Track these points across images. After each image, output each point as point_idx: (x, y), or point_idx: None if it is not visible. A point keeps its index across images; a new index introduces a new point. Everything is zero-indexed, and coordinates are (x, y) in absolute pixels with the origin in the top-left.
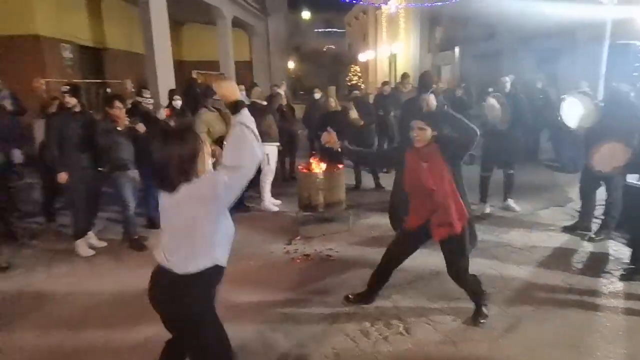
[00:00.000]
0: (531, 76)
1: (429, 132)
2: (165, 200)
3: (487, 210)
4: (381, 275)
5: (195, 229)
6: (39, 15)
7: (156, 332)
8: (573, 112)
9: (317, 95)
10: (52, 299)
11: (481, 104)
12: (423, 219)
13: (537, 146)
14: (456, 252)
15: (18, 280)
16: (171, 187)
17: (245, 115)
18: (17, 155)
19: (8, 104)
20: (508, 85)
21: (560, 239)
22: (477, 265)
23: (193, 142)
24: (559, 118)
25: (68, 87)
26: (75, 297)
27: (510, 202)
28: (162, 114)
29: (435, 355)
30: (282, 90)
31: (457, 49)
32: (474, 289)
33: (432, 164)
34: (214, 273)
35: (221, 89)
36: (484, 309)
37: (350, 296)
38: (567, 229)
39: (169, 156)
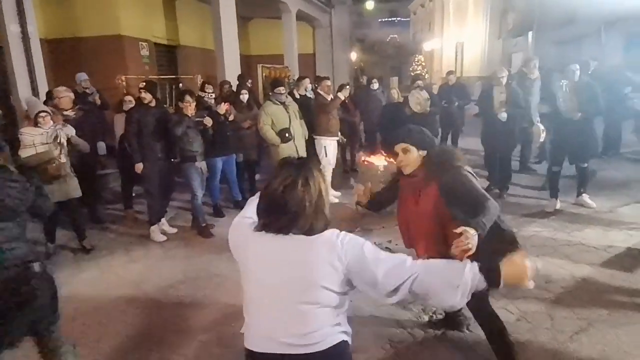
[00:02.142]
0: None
1: (414, 154)
2: (268, 246)
3: (558, 206)
4: None
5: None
6: (121, 16)
7: (225, 314)
8: None
9: (375, 85)
10: (131, 279)
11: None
12: None
13: (619, 138)
14: None
15: (101, 261)
16: (309, 232)
17: None
18: (102, 147)
19: (97, 99)
20: (577, 74)
21: None
22: (546, 264)
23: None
24: None
25: (144, 83)
26: (151, 278)
27: (585, 197)
28: (222, 108)
29: None
30: (342, 95)
31: (530, 35)
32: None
33: (423, 203)
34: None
35: None
36: None
37: None
38: None
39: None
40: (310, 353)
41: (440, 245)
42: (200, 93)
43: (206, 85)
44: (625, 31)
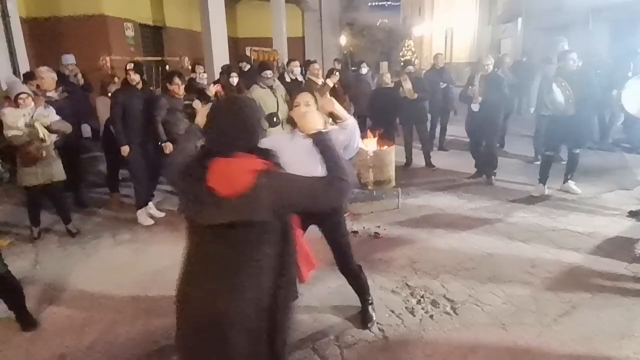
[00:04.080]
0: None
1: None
2: None
3: (545, 191)
4: None
5: None
6: None
7: None
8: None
9: (364, 69)
10: (118, 264)
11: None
12: None
13: (605, 126)
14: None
15: (87, 245)
16: None
17: None
18: (86, 130)
19: (79, 79)
20: (572, 64)
21: (625, 225)
22: (532, 248)
23: None
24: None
25: (132, 64)
26: (139, 262)
27: (571, 183)
28: (212, 90)
29: (482, 337)
30: (331, 82)
31: (519, 21)
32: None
33: None
34: None
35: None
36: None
37: None
38: (633, 214)
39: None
40: None
41: None
42: (192, 75)
43: (197, 66)
44: (611, 19)
